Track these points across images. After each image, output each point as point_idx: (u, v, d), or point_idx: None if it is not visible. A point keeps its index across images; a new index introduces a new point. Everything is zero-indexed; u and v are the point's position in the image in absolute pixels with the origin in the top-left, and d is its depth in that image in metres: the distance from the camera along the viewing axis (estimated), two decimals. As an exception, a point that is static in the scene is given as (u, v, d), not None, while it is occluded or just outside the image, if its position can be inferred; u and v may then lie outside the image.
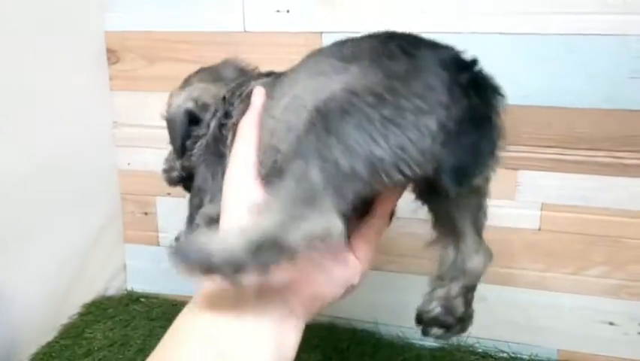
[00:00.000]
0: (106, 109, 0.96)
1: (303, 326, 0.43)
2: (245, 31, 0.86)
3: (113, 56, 0.94)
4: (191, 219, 0.61)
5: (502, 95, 0.43)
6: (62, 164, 0.86)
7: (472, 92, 0.40)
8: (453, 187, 0.40)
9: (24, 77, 0.78)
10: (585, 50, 0.73)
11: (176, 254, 0.36)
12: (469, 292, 0.51)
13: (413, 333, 0.87)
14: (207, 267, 0.35)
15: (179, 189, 0.95)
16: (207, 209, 0.57)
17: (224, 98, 0.59)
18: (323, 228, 0.37)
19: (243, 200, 0.43)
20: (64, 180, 0.87)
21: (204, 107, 0.61)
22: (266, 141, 0.47)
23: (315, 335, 0.86)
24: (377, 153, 0.38)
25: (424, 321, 0.51)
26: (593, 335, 0.83)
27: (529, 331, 0.85)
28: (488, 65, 0.43)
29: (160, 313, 0.94)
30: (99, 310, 0.94)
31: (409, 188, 0.49)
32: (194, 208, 0.60)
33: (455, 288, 0.50)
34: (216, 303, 0.40)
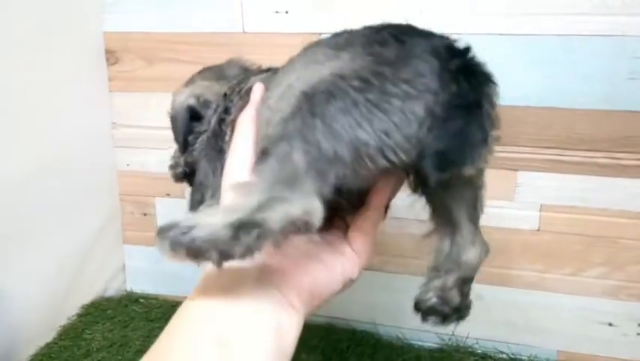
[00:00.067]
0: (105, 110, 0.96)
1: (302, 320, 0.42)
2: (244, 32, 0.86)
3: (112, 56, 0.94)
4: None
5: (494, 83, 0.42)
6: (61, 165, 0.86)
7: (462, 78, 0.40)
8: (434, 173, 0.39)
9: (23, 77, 0.78)
10: (584, 51, 0.73)
11: (160, 239, 0.36)
12: (465, 284, 0.51)
13: (412, 334, 0.88)
14: (191, 251, 0.35)
15: (179, 190, 0.96)
16: (208, 204, 0.58)
17: (225, 94, 0.60)
18: (303, 210, 0.36)
19: None
20: (63, 181, 0.87)
21: (206, 103, 0.62)
22: (262, 131, 0.48)
23: (315, 336, 0.86)
24: (361, 137, 0.38)
25: (421, 310, 0.51)
26: (592, 335, 0.83)
27: (529, 332, 0.85)
28: (488, 66, 0.43)
29: (159, 314, 0.94)
30: (98, 311, 0.94)
31: (405, 183, 0.49)
32: (196, 203, 0.60)
33: (451, 280, 0.50)
34: (213, 293, 0.39)
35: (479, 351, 0.85)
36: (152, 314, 0.94)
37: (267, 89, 0.51)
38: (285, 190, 0.37)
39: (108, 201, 0.99)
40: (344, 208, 0.47)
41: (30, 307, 0.82)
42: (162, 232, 0.36)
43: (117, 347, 0.86)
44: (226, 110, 0.58)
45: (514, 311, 0.85)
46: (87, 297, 0.96)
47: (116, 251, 1.02)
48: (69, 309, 0.92)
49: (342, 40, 0.46)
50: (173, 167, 0.69)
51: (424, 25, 0.45)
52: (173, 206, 0.97)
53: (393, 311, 0.89)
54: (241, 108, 0.52)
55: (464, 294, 0.51)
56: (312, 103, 0.40)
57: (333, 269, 0.44)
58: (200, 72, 0.67)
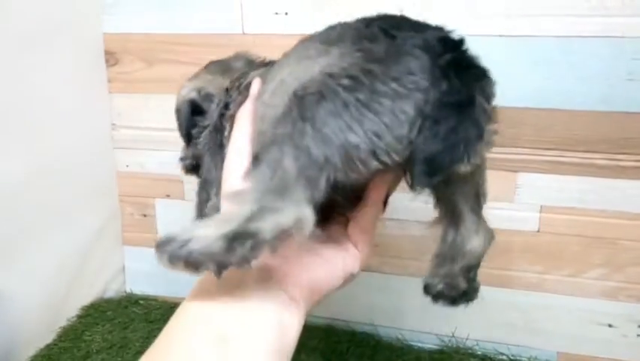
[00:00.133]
0: (105, 111, 0.96)
1: (304, 316, 0.42)
2: (243, 33, 0.86)
3: (111, 58, 0.94)
4: (200, 214, 0.61)
5: (488, 76, 0.42)
6: (61, 166, 0.86)
7: (453, 73, 0.39)
8: (422, 179, 0.39)
9: (23, 78, 0.78)
10: (583, 52, 0.73)
11: (158, 253, 0.36)
12: (470, 271, 0.51)
13: (412, 335, 0.88)
14: (189, 264, 0.35)
15: (179, 191, 0.96)
16: (214, 202, 0.58)
17: (227, 89, 0.60)
18: (294, 219, 0.36)
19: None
20: (62, 183, 0.87)
21: (208, 97, 0.62)
22: (258, 127, 0.48)
23: (314, 337, 0.86)
24: (352, 140, 0.38)
25: (430, 293, 0.52)
26: (592, 337, 0.83)
27: (529, 333, 0.85)
28: (481, 60, 0.42)
29: (159, 315, 0.94)
30: (98, 312, 0.94)
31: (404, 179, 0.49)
32: (203, 203, 0.61)
33: (456, 268, 0.50)
34: (212, 292, 0.39)
35: (479, 352, 0.85)
36: (152, 316, 0.94)
37: (263, 83, 0.51)
38: (277, 200, 0.37)
39: (108, 202, 0.99)
40: (341, 204, 0.47)
41: (29, 309, 0.82)
42: (160, 246, 0.36)
43: (117, 348, 0.86)
44: (226, 106, 0.59)
45: (514, 313, 0.85)
46: (87, 298, 0.95)
47: (115, 252, 1.02)
48: (68, 310, 0.92)
49: (335, 35, 0.46)
50: (182, 159, 0.69)
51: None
52: (172, 207, 0.97)
53: (393, 312, 0.88)
54: (240, 103, 0.52)
55: (470, 279, 0.51)
56: (303, 106, 0.39)
57: (333, 264, 0.44)
58: (207, 66, 0.67)
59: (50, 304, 0.87)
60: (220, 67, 0.66)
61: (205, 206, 0.60)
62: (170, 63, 0.90)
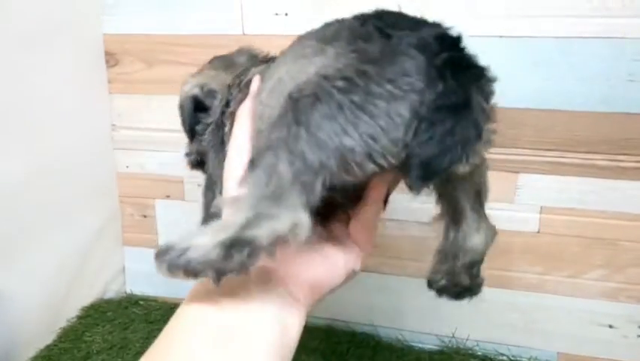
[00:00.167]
0: (105, 112, 0.96)
1: (305, 314, 0.42)
2: (243, 34, 0.86)
3: (111, 58, 0.94)
4: (206, 214, 0.61)
5: (485, 75, 0.41)
6: (61, 167, 0.86)
7: (449, 74, 0.38)
8: (417, 183, 0.38)
9: (23, 79, 0.78)
10: (583, 53, 0.73)
11: (158, 262, 0.36)
12: (472, 267, 0.50)
13: (412, 336, 0.88)
14: (188, 272, 0.36)
15: (179, 192, 0.96)
16: (219, 200, 0.58)
17: (229, 86, 0.60)
18: (289, 225, 0.36)
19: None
20: (62, 183, 0.87)
21: (210, 93, 0.61)
22: (257, 125, 0.48)
23: (314, 338, 0.86)
24: (347, 144, 0.37)
25: (434, 288, 0.51)
26: (592, 337, 0.83)
27: (529, 334, 0.85)
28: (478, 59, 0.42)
29: (159, 316, 0.94)
30: (98, 313, 0.94)
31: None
32: (209, 203, 0.61)
33: (458, 264, 0.50)
34: (212, 292, 0.39)
35: (479, 353, 0.85)
36: (152, 316, 0.94)
37: (262, 80, 0.51)
38: (272, 206, 0.37)
39: (108, 203, 0.99)
40: (340, 203, 0.47)
41: (29, 309, 0.82)
42: (159, 255, 0.36)
43: (117, 349, 0.86)
44: (227, 103, 0.59)
45: (515, 313, 0.85)
46: (87, 299, 0.95)
47: (115, 253, 1.02)
48: (69, 311, 0.92)
49: (330, 33, 0.45)
50: (188, 154, 0.69)
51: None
52: (172, 208, 0.97)
53: (393, 313, 0.88)
54: (240, 101, 0.52)
55: (473, 275, 0.51)
56: (297, 109, 0.39)
57: (334, 261, 0.44)
58: (211, 61, 0.67)
59: (50, 304, 0.87)
60: (223, 62, 0.65)
61: (211, 206, 0.60)
62: (170, 64, 0.90)
